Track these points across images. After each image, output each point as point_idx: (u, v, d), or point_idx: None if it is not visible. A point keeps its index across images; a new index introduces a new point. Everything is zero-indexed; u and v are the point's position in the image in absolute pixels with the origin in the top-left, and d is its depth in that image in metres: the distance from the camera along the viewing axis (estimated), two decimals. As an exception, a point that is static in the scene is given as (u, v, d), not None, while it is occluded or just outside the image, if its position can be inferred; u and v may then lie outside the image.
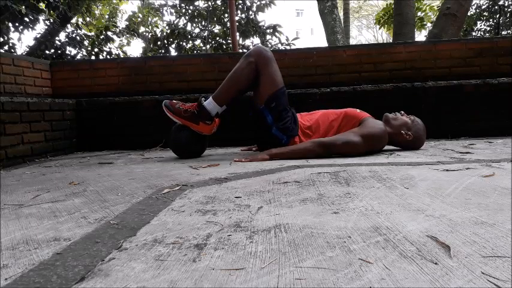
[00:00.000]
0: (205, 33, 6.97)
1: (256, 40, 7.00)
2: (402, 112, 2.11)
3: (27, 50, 6.74)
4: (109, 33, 7.45)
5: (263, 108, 2.07)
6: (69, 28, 7.42)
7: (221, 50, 6.94)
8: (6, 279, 0.62)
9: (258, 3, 6.95)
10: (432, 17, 8.47)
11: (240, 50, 5.95)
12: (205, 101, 2.07)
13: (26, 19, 5.67)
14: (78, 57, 6.91)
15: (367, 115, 2.06)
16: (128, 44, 8.92)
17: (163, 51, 6.93)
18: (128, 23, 8.21)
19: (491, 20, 8.20)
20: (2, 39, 5.87)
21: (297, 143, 2.07)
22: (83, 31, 7.47)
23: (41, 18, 6.32)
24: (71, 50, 6.83)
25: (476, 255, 0.63)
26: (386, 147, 2.09)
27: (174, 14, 7.29)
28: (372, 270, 0.60)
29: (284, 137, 2.06)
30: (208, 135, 2.16)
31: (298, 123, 2.11)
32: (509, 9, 8.00)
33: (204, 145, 2.23)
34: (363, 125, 1.98)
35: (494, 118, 2.75)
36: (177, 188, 1.29)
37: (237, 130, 2.83)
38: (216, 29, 7.31)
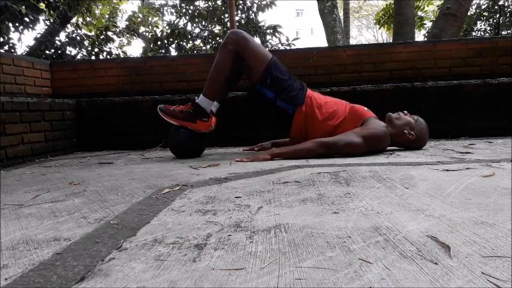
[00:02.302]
0: (206, 33, 6.97)
1: (256, 40, 7.00)
2: (405, 112, 2.11)
3: (27, 50, 6.74)
4: (109, 33, 7.45)
5: (259, 88, 2.07)
6: (69, 28, 7.43)
7: (221, 50, 6.92)
8: (6, 279, 0.62)
9: (259, 3, 6.95)
10: (431, 14, 8.46)
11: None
12: (197, 99, 2.09)
13: (26, 19, 5.66)
14: (78, 57, 6.91)
15: (371, 115, 2.06)
16: (129, 43, 8.92)
17: (163, 51, 6.93)
18: (128, 23, 8.21)
19: (491, 20, 8.20)
20: (2, 39, 5.87)
21: (303, 111, 2.06)
22: (83, 31, 7.47)
23: (41, 18, 6.32)
24: (71, 50, 6.84)
25: (476, 255, 0.63)
26: (387, 147, 2.09)
27: (175, 14, 7.29)
28: (372, 270, 0.60)
29: (290, 107, 2.06)
30: (207, 135, 2.16)
31: (305, 91, 2.10)
32: (509, 9, 7.99)
33: (203, 144, 2.22)
34: (365, 126, 1.98)
35: (494, 118, 2.75)
36: (177, 188, 1.29)
37: (237, 130, 2.83)
38: (217, 29, 7.30)
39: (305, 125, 2.08)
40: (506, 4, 8.01)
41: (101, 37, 7.36)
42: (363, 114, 2.05)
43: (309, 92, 2.13)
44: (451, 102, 2.77)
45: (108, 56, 7.22)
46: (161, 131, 2.78)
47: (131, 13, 8.42)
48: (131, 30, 8.09)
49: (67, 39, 6.79)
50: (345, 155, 1.93)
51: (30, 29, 5.90)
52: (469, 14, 7.22)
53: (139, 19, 8.33)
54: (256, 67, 2.06)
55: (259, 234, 0.79)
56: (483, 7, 8.28)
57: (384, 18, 8.57)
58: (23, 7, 5.45)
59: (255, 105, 2.20)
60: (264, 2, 6.93)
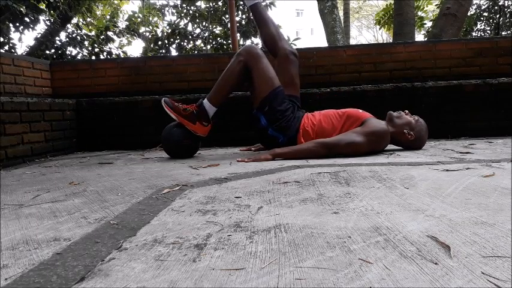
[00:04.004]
0: (206, 34, 6.98)
1: (256, 40, 7.01)
2: (406, 111, 2.11)
3: (28, 50, 6.74)
4: (109, 33, 7.45)
5: (256, 112, 2.12)
6: (70, 28, 7.43)
7: (222, 50, 6.94)
8: (6, 279, 0.62)
9: (259, 4, 6.95)
10: (430, 14, 8.45)
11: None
12: (203, 101, 2.10)
13: (27, 19, 5.66)
14: (79, 57, 6.91)
15: (369, 115, 2.06)
16: (129, 43, 8.93)
17: (164, 51, 6.94)
18: (128, 23, 8.21)
19: (491, 20, 8.19)
20: (2, 39, 5.87)
21: (297, 143, 2.08)
22: (83, 31, 7.47)
23: (42, 18, 6.32)
24: (71, 50, 6.83)
25: (477, 255, 0.63)
26: (387, 147, 2.09)
27: (175, 14, 7.30)
28: (372, 270, 0.60)
29: (281, 136, 2.09)
30: (201, 138, 2.16)
31: (300, 122, 2.11)
32: (509, 10, 7.99)
33: (196, 145, 2.21)
34: (365, 125, 1.97)
35: (494, 118, 2.75)
36: (177, 188, 1.29)
37: (237, 130, 2.83)
38: (217, 29, 7.31)
39: None
40: (506, 4, 8.01)
41: (101, 37, 7.36)
42: (359, 116, 2.05)
43: (303, 120, 2.12)
44: (451, 102, 2.77)
45: (108, 56, 7.22)
46: (161, 131, 2.77)
47: (131, 13, 8.42)
48: (131, 30, 8.09)
49: (67, 39, 6.79)
50: (347, 155, 1.93)
51: (30, 29, 5.90)
52: (469, 14, 7.22)
53: (139, 19, 8.33)
54: (259, 90, 2.09)
55: (259, 234, 0.79)
56: (483, 7, 8.28)
57: (384, 18, 8.57)
58: (24, 7, 5.45)
59: (252, 124, 2.23)
60: (264, 3, 6.93)
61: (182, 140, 2.10)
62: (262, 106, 2.09)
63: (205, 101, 2.09)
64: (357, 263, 0.62)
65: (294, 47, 2.53)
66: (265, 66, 2.10)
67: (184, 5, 7.20)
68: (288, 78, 2.20)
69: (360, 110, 2.10)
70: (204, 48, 7.07)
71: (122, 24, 8.32)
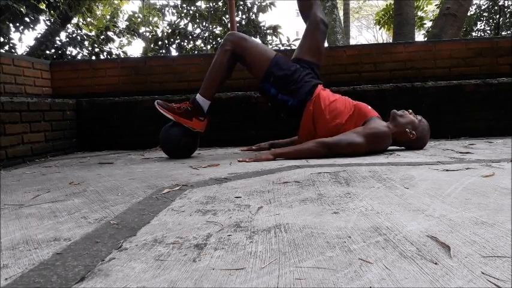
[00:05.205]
0: (206, 34, 6.98)
1: (257, 41, 7.01)
2: (410, 111, 2.11)
3: (28, 50, 6.74)
4: (109, 33, 7.45)
5: (262, 85, 2.12)
6: (70, 28, 7.43)
7: (221, 50, 6.92)
8: (6, 279, 0.62)
9: (259, 4, 6.95)
10: (430, 14, 8.47)
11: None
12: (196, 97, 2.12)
13: (27, 19, 5.66)
14: (79, 57, 6.90)
15: (375, 114, 2.06)
16: (129, 43, 8.93)
17: (164, 51, 6.93)
18: (128, 23, 8.21)
19: (491, 20, 8.19)
20: (2, 39, 5.87)
21: (311, 111, 2.07)
22: (84, 31, 7.47)
23: (42, 18, 6.32)
24: (71, 50, 6.83)
25: (476, 255, 0.63)
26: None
27: (176, 14, 7.29)
28: (372, 270, 0.60)
29: (290, 99, 2.08)
30: (200, 135, 2.16)
31: (313, 88, 2.09)
32: (509, 10, 7.99)
33: (196, 142, 2.21)
34: (367, 125, 1.97)
35: (494, 118, 2.75)
36: (177, 188, 1.29)
37: (237, 130, 2.83)
38: (217, 29, 7.31)
39: (313, 124, 2.09)
40: (506, 4, 8.01)
41: (101, 37, 7.36)
42: (366, 112, 2.05)
43: (319, 90, 2.10)
44: (451, 102, 2.77)
45: (108, 56, 7.21)
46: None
47: (131, 13, 8.42)
48: (131, 30, 8.09)
49: (67, 39, 6.78)
50: (347, 155, 1.93)
51: (30, 29, 5.90)
52: (469, 14, 7.21)
53: (139, 19, 8.33)
54: (259, 67, 2.10)
55: (259, 234, 0.79)
56: (483, 7, 8.28)
57: (384, 18, 8.58)
58: (24, 7, 5.45)
59: (262, 95, 2.23)
60: (264, 3, 6.93)
61: (181, 139, 2.10)
62: (267, 78, 2.09)
63: (198, 96, 2.10)
64: (357, 263, 0.62)
65: (294, 47, 2.53)
66: (254, 45, 2.12)
67: (184, 5, 7.20)
68: (314, 45, 2.21)
69: (369, 107, 2.11)
70: (204, 48, 7.06)
71: (122, 24, 8.32)
